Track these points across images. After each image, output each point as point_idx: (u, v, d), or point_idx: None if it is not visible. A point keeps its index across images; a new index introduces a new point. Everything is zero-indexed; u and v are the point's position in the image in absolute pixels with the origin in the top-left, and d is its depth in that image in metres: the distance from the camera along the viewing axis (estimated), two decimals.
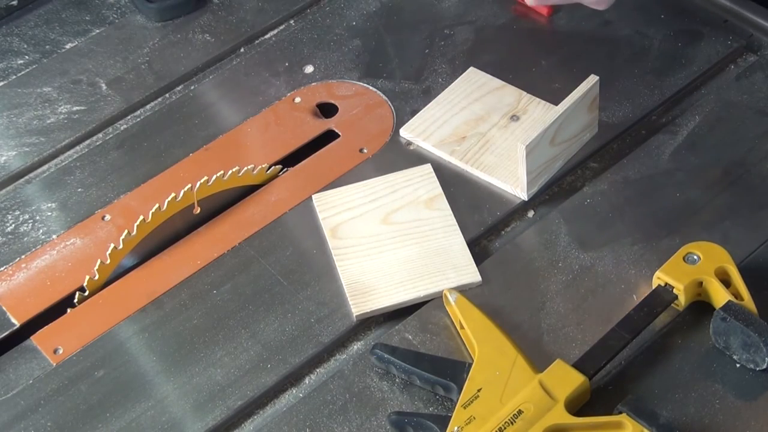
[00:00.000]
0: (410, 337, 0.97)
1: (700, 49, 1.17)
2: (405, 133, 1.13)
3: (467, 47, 1.20)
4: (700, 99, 1.14)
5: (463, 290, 0.98)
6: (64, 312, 1.02)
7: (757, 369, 0.91)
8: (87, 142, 1.17)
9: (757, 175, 1.06)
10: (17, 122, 1.19)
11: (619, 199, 1.06)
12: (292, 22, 1.27)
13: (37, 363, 0.99)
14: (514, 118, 1.12)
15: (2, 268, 1.06)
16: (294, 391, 0.96)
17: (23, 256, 1.07)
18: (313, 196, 1.08)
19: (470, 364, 0.92)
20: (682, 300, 0.95)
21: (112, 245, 1.03)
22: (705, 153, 1.09)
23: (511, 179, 1.07)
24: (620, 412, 0.88)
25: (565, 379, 0.90)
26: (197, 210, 1.08)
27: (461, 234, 1.03)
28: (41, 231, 1.09)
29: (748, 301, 0.92)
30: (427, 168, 1.09)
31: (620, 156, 1.10)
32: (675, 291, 0.95)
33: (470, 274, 1.00)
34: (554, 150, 1.06)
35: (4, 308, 1.03)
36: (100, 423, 0.94)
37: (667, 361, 0.93)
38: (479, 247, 1.04)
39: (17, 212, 1.11)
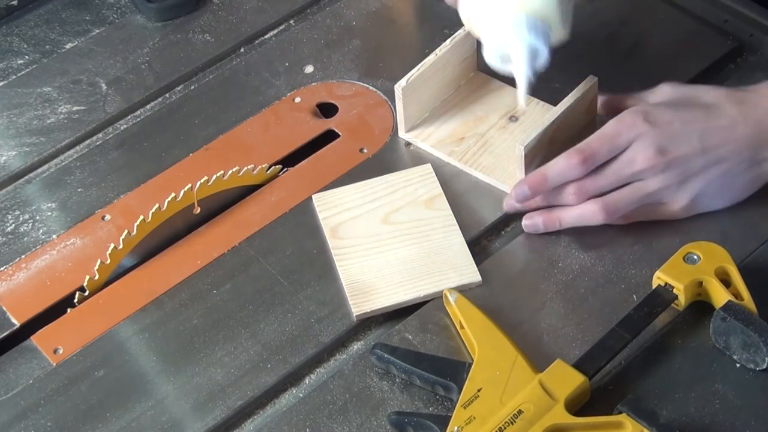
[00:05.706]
0: (410, 337, 0.97)
1: (699, 49, 1.17)
2: (405, 133, 1.13)
3: None
4: None
5: (463, 290, 0.98)
6: (64, 312, 1.02)
7: (757, 369, 0.91)
8: (87, 142, 1.17)
9: None
10: (17, 122, 1.19)
11: None
12: (292, 22, 1.27)
13: (37, 363, 0.99)
14: (513, 118, 1.12)
15: (2, 268, 1.06)
16: (294, 391, 0.96)
17: (23, 256, 1.07)
18: (313, 196, 1.08)
19: (470, 364, 0.92)
20: (682, 300, 0.95)
21: (112, 245, 1.03)
22: None
23: (510, 180, 1.06)
24: (620, 412, 0.88)
25: (565, 379, 0.90)
26: (197, 210, 1.08)
27: (461, 234, 1.03)
28: (41, 231, 1.09)
29: (748, 301, 0.92)
30: (427, 168, 1.09)
31: None
32: (675, 291, 0.95)
33: (470, 274, 1.00)
34: (553, 151, 1.06)
35: (4, 308, 1.03)
36: (100, 423, 0.94)
37: (667, 361, 0.93)
38: (479, 247, 1.04)
39: (17, 212, 1.11)
